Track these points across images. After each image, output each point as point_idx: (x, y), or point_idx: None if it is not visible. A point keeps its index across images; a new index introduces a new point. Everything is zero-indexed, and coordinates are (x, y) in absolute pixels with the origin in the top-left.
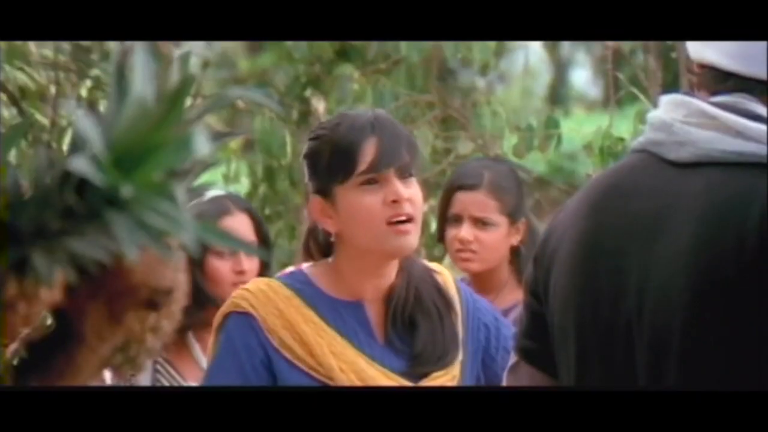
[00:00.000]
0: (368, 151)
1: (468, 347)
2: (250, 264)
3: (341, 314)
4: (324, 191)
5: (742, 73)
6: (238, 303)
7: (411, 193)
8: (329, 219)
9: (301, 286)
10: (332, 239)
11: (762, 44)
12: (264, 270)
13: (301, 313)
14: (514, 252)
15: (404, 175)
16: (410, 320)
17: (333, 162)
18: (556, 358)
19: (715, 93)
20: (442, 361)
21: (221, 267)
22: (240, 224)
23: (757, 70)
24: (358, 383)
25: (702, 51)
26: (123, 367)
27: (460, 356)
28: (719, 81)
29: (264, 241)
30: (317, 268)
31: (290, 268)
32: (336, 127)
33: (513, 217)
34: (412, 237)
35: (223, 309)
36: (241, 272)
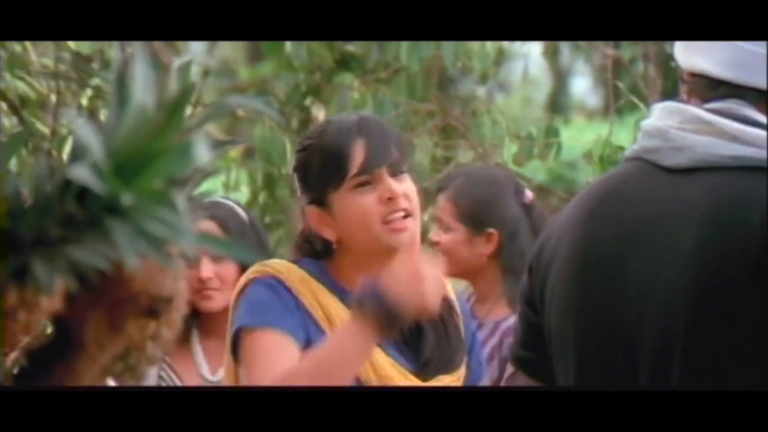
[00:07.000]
0: (358, 153)
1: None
2: (213, 271)
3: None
4: (318, 200)
5: (734, 81)
6: (261, 270)
7: (405, 188)
8: (327, 227)
9: (318, 273)
10: (333, 246)
11: (753, 52)
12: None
13: (321, 289)
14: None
15: (396, 172)
16: (417, 327)
17: (324, 169)
18: (553, 367)
19: (707, 100)
20: (449, 366)
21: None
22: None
23: (748, 78)
24: (370, 370)
25: (692, 59)
26: (123, 376)
27: (465, 358)
28: (711, 88)
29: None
30: (331, 261)
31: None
32: (322, 134)
33: (471, 225)
34: (411, 231)
35: (243, 279)
36: (200, 279)
